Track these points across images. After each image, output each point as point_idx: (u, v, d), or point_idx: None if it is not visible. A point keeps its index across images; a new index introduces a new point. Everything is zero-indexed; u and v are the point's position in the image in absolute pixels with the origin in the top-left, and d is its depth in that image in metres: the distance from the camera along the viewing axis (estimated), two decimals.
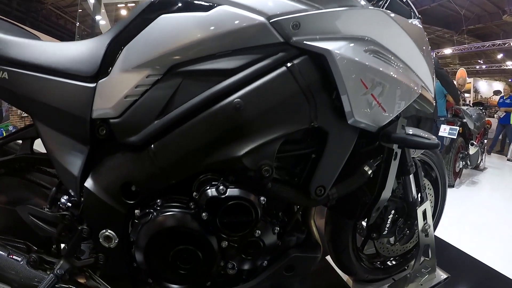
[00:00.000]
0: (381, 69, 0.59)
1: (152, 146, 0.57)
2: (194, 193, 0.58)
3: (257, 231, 0.60)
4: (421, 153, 0.96)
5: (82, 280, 0.72)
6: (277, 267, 0.65)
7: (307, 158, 0.63)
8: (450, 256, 1.24)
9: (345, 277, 1.06)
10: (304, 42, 0.54)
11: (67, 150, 0.63)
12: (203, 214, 0.56)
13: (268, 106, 0.55)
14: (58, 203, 0.65)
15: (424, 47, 0.70)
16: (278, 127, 0.56)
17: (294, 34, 0.54)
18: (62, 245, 0.71)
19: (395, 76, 0.61)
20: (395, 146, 0.70)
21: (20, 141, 0.70)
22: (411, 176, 0.86)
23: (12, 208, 0.71)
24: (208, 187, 0.56)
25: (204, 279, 0.64)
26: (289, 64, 0.55)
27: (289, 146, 0.60)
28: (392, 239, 0.95)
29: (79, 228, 0.63)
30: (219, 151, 0.56)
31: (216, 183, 0.56)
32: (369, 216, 0.72)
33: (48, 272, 0.66)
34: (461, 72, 4.71)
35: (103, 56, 0.58)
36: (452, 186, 2.59)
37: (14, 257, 0.70)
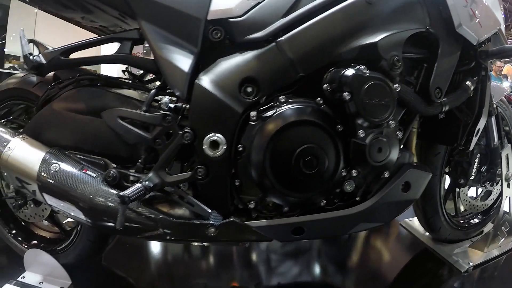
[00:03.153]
0: None
1: (282, 39, 0.61)
2: (325, 85, 0.61)
3: (391, 123, 0.63)
4: (496, 104, 1.04)
5: (165, 209, 0.67)
6: (395, 182, 0.66)
7: (421, 67, 0.71)
8: None
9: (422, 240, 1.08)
10: None
11: (176, 49, 0.64)
12: (345, 94, 0.58)
13: (393, 5, 0.64)
14: (159, 103, 0.63)
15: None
16: (403, 23, 0.65)
17: None
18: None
19: (485, 3, 0.76)
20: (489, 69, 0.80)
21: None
22: (493, 120, 0.93)
23: (94, 118, 0.68)
24: (346, 70, 0.59)
25: (320, 193, 0.63)
26: None
27: (408, 49, 0.68)
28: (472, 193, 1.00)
29: (180, 132, 0.61)
30: (354, 39, 0.62)
31: (354, 66, 0.60)
32: (471, 138, 0.79)
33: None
34: (508, 68, 4.85)
35: None
36: None
37: (88, 172, 0.65)
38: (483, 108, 0.79)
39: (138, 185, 0.60)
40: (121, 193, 0.58)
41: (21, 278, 0.94)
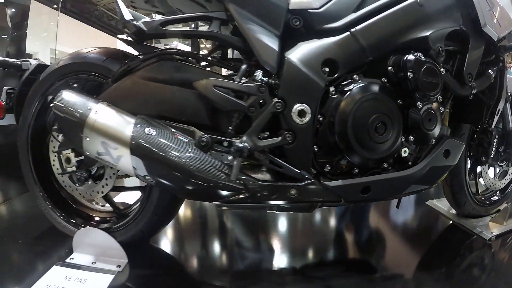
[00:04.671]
0: None
1: (356, 29, 0.80)
2: (390, 67, 0.81)
3: (439, 98, 0.84)
4: (510, 93, 1.27)
5: (253, 174, 0.77)
6: (439, 149, 0.87)
7: (455, 57, 0.93)
8: None
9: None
10: None
11: (263, 31, 0.80)
12: (408, 73, 0.78)
13: (437, 7, 0.86)
14: (254, 75, 0.76)
15: None
16: (444, 22, 0.87)
17: None
18: None
19: (502, 7, 1.01)
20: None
21: None
22: (508, 106, 1.15)
23: (182, 88, 0.78)
24: (408, 56, 0.79)
25: (385, 156, 0.80)
26: None
27: (446, 42, 0.88)
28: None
29: (273, 102, 0.74)
30: (411, 32, 0.82)
31: (413, 53, 0.80)
32: (493, 118, 1.02)
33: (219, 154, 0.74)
34: None
35: None
36: None
37: (179, 137, 0.75)
38: (502, 91, 1.03)
39: (240, 145, 0.71)
40: (239, 145, 0.70)
41: (70, 259, 0.95)
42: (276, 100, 0.75)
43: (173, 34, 0.83)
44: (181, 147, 0.74)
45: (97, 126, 0.75)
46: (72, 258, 0.95)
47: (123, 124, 0.75)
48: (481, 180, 1.27)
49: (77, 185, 1.00)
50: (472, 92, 0.92)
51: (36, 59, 1.42)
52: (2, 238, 1.16)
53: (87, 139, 0.76)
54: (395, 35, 0.81)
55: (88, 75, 0.97)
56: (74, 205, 1.09)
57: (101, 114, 0.76)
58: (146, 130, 0.74)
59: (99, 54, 0.95)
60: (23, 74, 1.13)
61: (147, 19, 0.80)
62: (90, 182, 0.98)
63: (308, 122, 0.75)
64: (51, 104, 1.03)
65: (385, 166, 0.83)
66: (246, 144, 0.72)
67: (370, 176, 0.81)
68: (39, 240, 1.16)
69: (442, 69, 0.83)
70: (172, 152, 0.73)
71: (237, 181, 0.75)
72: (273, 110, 0.75)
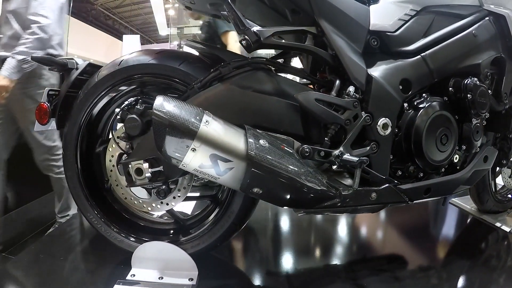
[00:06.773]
0: None
1: (426, 53, 1.03)
2: (451, 89, 1.05)
3: (486, 115, 1.11)
4: None
5: (341, 180, 0.93)
6: (480, 155, 1.14)
7: (493, 79, 1.20)
8: None
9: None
10: (491, 7, 1.16)
11: (349, 48, 0.98)
12: (468, 95, 1.03)
13: (486, 38, 1.13)
14: (348, 91, 0.93)
15: None
16: (490, 50, 1.14)
17: (485, 2, 1.16)
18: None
19: None
20: None
21: None
22: None
23: (280, 99, 0.90)
24: (467, 81, 1.04)
25: (442, 162, 1.04)
26: (487, 18, 1.15)
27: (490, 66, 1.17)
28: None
29: (364, 115, 0.90)
30: (467, 59, 1.08)
31: (471, 78, 1.05)
32: None
33: (316, 162, 0.89)
34: None
35: None
36: None
37: (286, 148, 0.86)
38: None
39: (354, 158, 0.87)
40: (361, 158, 0.87)
41: (131, 276, 0.95)
42: (365, 114, 0.92)
43: (279, 45, 0.96)
44: (290, 158, 0.81)
45: (210, 138, 0.76)
46: (133, 275, 0.95)
47: (236, 135, 0.79)
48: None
49: (139, 197, 1.02)
50: (506, 107, 1.21)
51: None
52: (38, 255, 1.16)
53: (194, 151, 0.76)
54: (456, 60, 1.07)
55: (160, 78, 0.97)
56: (133, 219, 1.13)
57: (212, 124, 0.78)
58: (262, 142, 0.78)
59: (171, 56, 0.97)
60: (67, 73, 1.09)
61: (257, 27, 0.87)
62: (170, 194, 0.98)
63: (389, 134, 0.96)
64: (117, 109, 1.06)
65: (442, 170, 1.07)
66: (349, 154, 0.88)
67: (432, 179, 1.05)
68: (81, 255, 1.17)
69: (489, 91, 1.10)
70: (285, 163, 0.79)
71: (331, 188, 0.88)
72: (364, 123, 0.93)
